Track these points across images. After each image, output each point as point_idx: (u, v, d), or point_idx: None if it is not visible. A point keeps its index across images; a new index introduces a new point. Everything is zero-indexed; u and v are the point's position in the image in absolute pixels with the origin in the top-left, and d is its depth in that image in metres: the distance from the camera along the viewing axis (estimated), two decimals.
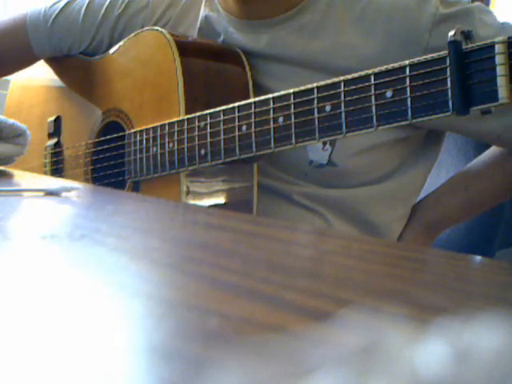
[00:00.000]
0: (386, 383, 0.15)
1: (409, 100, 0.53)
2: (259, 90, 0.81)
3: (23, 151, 0.77)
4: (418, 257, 0.43)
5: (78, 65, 1.01)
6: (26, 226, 0.40)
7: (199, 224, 0.52)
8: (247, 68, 0.81)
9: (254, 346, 0.18)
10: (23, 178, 0.76)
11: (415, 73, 0.53)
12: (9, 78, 1.16)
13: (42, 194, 0.54)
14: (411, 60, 0.54)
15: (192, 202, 0.75)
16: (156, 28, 0.83)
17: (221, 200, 0.78)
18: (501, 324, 0.21)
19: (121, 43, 0.91)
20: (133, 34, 0.88)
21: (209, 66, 0.82)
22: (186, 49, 0.79)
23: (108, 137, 0.90)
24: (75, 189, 0.55)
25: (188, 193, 0.75)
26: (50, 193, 0.54)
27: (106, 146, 0.90)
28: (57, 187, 0.54)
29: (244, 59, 0.82)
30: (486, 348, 0.17)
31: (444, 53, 0.52)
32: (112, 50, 0.93)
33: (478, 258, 0.44)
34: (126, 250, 0.35)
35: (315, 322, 0.22)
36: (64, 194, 0.54)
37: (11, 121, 0.76)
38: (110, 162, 0.89)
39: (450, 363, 0.16)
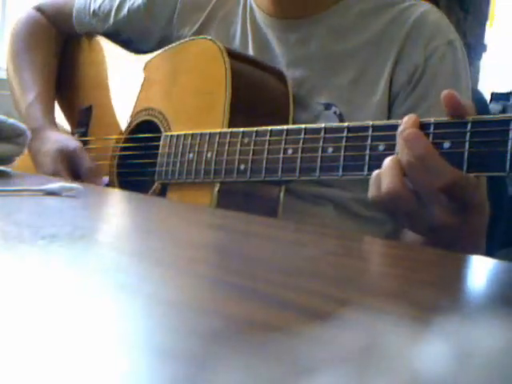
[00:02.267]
0: (385, 383, 0.15)
1: (466, 154, 0.54)
2: None
3: (23, 151, 0.77)
4: (418, 257, 0.43)
5: (121, 57, 1.02)
6: (25, 226, 0.40)
7: (200, 224, 0.52)
8: (289, 87, 0.83)
9: (255, 345, 0.18)
10: (23, 178, 0.76)
11: (476, 129, 0.54)
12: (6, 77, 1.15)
13: (41, 193, 0.54)
14: (474, 117, 0.54)
15: (223, 204, 0.76)
16: (209, 37, 0.85)
17: (249, 201, 0.79)
18: (501, 324, 0.21)
19: (171, 46, 0.92)
20: (184, 40, 0.90)
21: (255, 82, 0.84)
22: (236, 61, 0.81)
23: (143, 135, 0.90)
24: (75, 189, 0.55)
25: (219, 195, 0.76)
26: (50, 193, 0.54)
27: (137, 144, 0.90)
28: (57, 187, 0.54)
29: (287, 80, 0.84)
30: (486, 348, 0.17)
31: (509, 115, 0.53)
32: (160, 51, 0.94)
33: (478, 257, 0.44)
34: (126, 250, 0.35)
35: (315, 322, 0.22)
36: (64, 194, 0.54)
37: (11, 121, 0.75)
38: (140, 160, 0.89)
39: (450, 363, 0.16)
